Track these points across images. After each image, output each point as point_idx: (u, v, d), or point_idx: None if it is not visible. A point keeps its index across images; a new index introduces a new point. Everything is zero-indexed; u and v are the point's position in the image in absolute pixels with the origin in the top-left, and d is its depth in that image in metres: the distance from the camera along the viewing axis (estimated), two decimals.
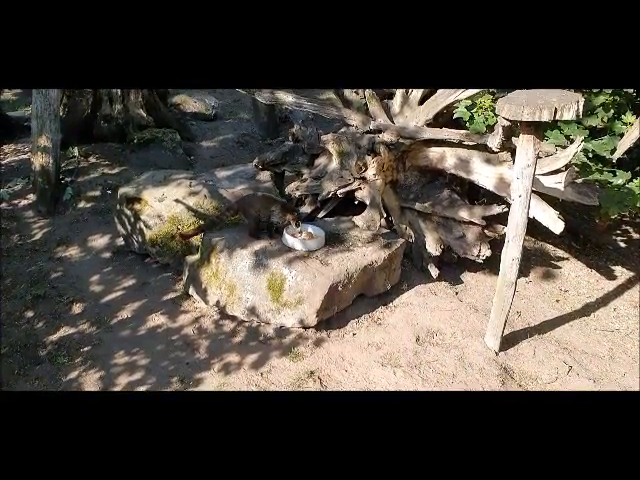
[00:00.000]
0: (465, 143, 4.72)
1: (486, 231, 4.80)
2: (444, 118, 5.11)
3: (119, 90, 7.03)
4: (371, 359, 3.96)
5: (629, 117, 4.67)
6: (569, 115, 3.18)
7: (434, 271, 4.76)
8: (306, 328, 4.19)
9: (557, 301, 4.87)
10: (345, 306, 4.35)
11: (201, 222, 4.70)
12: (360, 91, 5.48)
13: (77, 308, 4.41)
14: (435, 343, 4.17)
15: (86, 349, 3.99)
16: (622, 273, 5.31)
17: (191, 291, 4.54)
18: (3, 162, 6.56)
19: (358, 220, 4.60)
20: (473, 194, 5.50)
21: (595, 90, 4.55)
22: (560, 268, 5.31)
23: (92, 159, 6.63)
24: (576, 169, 4.44)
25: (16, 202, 5.79)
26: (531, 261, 5.33)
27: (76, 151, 6.58)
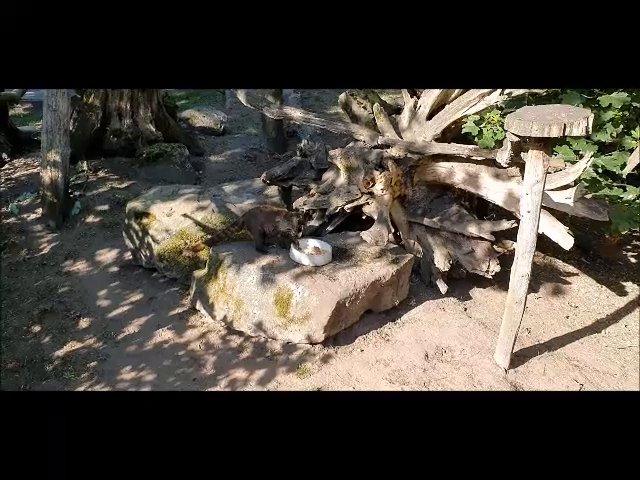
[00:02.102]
0: (474, 158, 4.71)
1: (495, 246, 4.77)
2: (452, 133, 5.11)
3: (129, 105, 7.11)
4: (379, 376, 3.92)
5: (639, 132, 4.65)
6: (578, 131, 3.17)
7: (443, 287, 4.72)
8: (313, 344, 4.16)
9: (567, 317, 4.81)
10: (353, 322, 4.32)
11: (208, 236, 4.71)
12: (368, 106, 5.49)
13: (84, 323, 4.41)
14: (444, 360, 4.12)
15: (92, 364, 3.98)
16: (633, 289, 5.25)
17: (198, 306, 4.53)
18: (13, 176, 6.62)
19: (366, 235, 4.57)
20: (482, 209, 5.48)
21: (604, 105, 4.53)
22: (570, 284, 5.26)
23: (101, 173, 6.69)
24: (585, 184, 4.43)
25: (25, 216, 5.83)
26: (540, 277, 5.28)
27: (85, 165, 6.64)
